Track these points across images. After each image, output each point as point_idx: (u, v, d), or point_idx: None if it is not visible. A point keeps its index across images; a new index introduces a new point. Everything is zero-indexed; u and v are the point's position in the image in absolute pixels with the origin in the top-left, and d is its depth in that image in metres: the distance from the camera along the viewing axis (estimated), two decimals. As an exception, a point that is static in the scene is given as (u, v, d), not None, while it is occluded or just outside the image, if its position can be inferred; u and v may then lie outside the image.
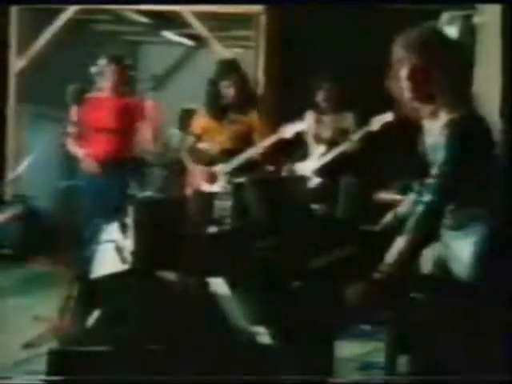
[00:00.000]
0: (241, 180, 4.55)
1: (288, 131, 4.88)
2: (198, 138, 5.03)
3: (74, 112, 5.60)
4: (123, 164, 5.36)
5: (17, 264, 6.18)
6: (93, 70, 5.32)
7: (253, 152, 4.85)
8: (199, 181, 4.93)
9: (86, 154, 5.34)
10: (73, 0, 6.86)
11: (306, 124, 5.14)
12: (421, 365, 2.53)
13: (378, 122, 5.25)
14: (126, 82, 5.39)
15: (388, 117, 5.12)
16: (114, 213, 3.69)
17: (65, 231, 6.31)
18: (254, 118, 4.91)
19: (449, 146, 2.40)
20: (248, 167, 4.92)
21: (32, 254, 6.37)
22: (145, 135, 5.37)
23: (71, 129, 5.52)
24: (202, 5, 6.79)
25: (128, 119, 5.37)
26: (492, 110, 5.16)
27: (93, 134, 5.35)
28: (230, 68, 4.93)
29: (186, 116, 7.84)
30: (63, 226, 6.52)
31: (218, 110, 4.92)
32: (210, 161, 4.92)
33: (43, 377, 2.24)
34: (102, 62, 5.29)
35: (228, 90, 4.82)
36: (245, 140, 4.89)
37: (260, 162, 5.03)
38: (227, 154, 4.87)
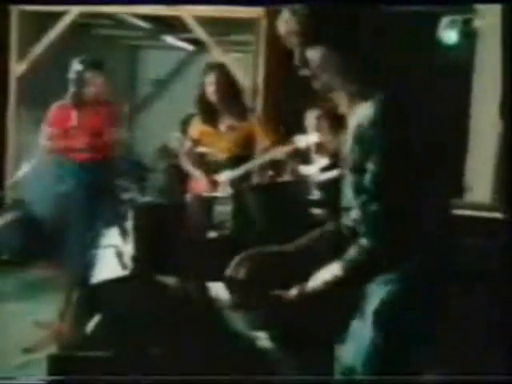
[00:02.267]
0: (241, 185, 4.56)
1: (302, 141, 4.83)
2: (196, 142, 5.03)
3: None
4: (106, 166, 5.42)
5: (16, 269, 6.18)
6: (71, 75, 5.29)
7: (262, 160, 4.83)
8: (201, 187, 4.92)
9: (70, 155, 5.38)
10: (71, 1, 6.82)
11: (318, 136, 5.05)
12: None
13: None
14: (105, 87, 5.41)
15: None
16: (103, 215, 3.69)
17: (64, 236, 6.30)
18: (253, 123, 4.90)
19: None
20: (251, 174, 4.92)
21: (31, 259, 6.36)
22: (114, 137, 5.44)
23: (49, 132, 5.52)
24: (203, 7, 6.80)
25: (107, 122, 5.39)
26: (492, 113, 5.18)
27: (74, 136, 5.37)
28: (213, 66, 5.00)
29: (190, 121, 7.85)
30: (62, 231, 6.51)
31: (208, 112, 4.92)
32: (215, 168, 4.91)
33: (43, 381, 2.23)
34: (78, 67, 5.28)
35: (210, 88, 4.81)
36: (247, 146, 4.88)
37: (266, 169, 5.02)
38: (232, 161, 4.86)
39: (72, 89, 5.31)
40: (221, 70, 4.95)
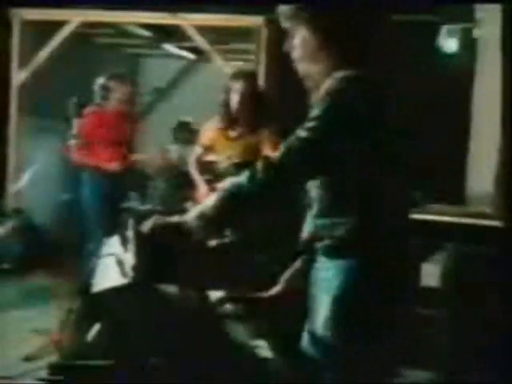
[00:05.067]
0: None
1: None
2: (207, 149, 4.98)
3: (76, 124, 5.79)
4: (125, 175, 5.54)
5: (16, 278, 6.18)
6: (96, 87, 5.52)
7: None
8: (204, 195, 4.89)
9: (94, 164, 5.50)
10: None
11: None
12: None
13: None
14: (131, 97, 5.60)
15: None
16: (115, 222, 3.73)
17: (65, 244, 6.31)
18: (264, 133, 4.81)
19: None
20: None
21: (31, 268, 6.37)
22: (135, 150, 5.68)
23: (75, 141, 5.67)
24: (204, 16, 6.82)
25: (131, 132, 5.59)
26: (493, 121, 5.18)
27: (98, 146, 5.49)
28: (243, 73, 4.91)
29: (182, 128, 7.88)
30: (63, 239, 6.52)
31: (229, 119, 4.83)
32: (219, 174, 4.88)
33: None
34: (103, 79, 5.50)
35: (235, 96, 4.73)
36: (254, 153, 4.82)
37: None
38: (238, 168, 4.82)
39: (96, 100, 5.53)
40: (249, 79, 4.84)
